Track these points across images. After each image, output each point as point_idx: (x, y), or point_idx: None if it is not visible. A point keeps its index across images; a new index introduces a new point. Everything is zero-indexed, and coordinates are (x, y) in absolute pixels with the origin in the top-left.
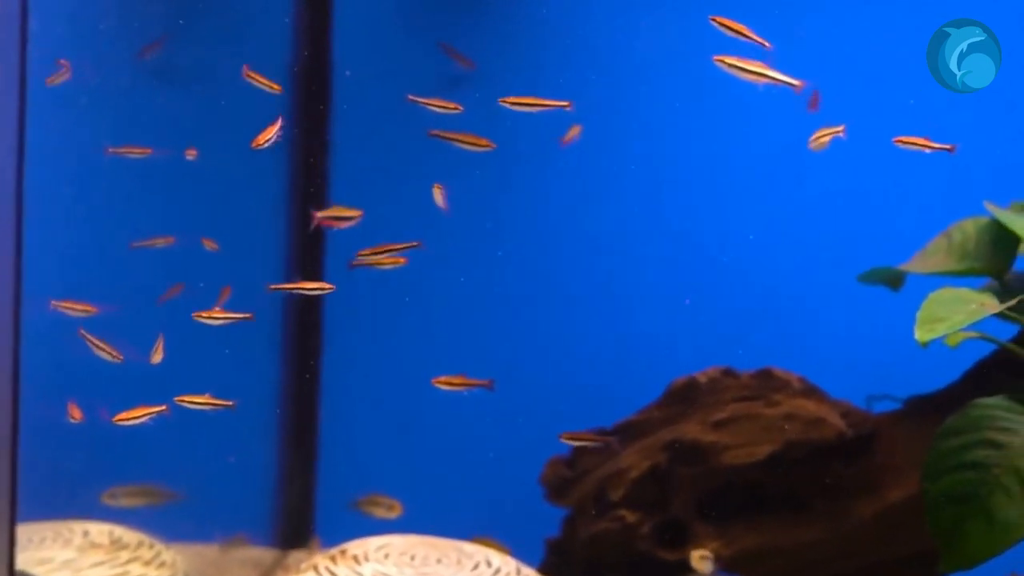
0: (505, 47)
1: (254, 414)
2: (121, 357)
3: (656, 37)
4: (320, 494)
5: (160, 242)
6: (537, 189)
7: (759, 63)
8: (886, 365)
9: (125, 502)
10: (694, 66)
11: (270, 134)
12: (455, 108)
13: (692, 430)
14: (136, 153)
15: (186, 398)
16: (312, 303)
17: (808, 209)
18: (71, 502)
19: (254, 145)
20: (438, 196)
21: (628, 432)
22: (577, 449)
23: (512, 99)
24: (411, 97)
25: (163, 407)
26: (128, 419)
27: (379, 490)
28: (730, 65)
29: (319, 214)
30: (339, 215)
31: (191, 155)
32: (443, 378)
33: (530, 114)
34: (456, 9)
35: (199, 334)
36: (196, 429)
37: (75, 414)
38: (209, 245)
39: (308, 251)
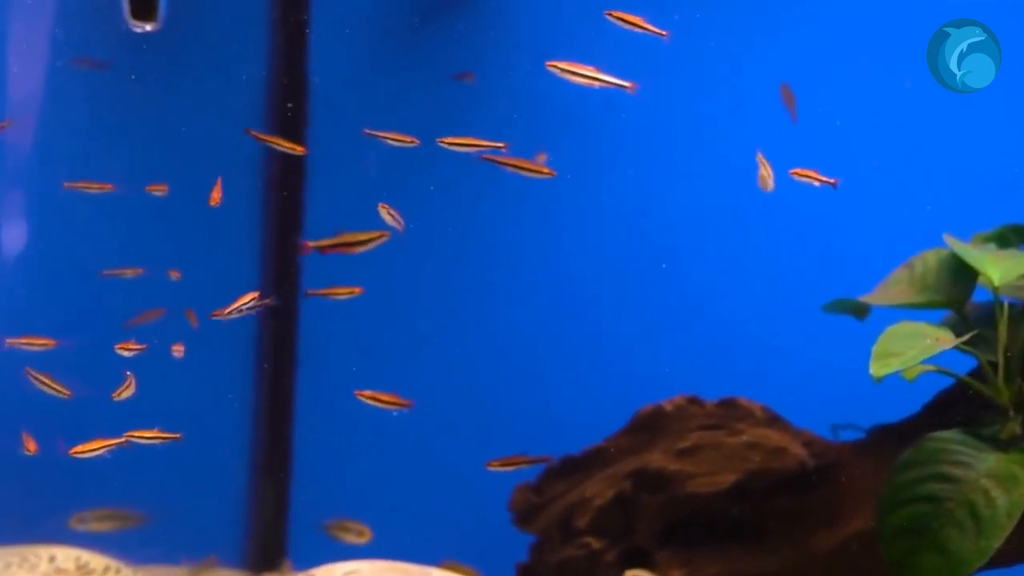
0: (481, 64)
1: (226, 436)
2: (69, 393)
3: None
4: (292, 517)
5: (129, 272)
6: (509, 216)
7: (591, 68)
8: (853, 394)
9: (94, 526)
10: (659, 92)
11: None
12: (411, 141)
13: (657, 458)
14: (94, 189)
15: (135, 433)
16: (286, 326)
17: (775, 238)
18: (38, 526)
19: (212, 203)
20: (386, 215)
21: (595, 459)
22: (544, 475)
23: (449, 140)
24: (367, 131)
25: (122, 439)
26: (85, 452)
27: (351, 514)
28: (562, 70)
29: (310, 244)
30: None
31: (159, 191)
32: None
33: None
34: (432, 28)
35: (171, 356)
36: (167, 452)
37: (30, 447)
38: (174, 275)
39: (283, 275)
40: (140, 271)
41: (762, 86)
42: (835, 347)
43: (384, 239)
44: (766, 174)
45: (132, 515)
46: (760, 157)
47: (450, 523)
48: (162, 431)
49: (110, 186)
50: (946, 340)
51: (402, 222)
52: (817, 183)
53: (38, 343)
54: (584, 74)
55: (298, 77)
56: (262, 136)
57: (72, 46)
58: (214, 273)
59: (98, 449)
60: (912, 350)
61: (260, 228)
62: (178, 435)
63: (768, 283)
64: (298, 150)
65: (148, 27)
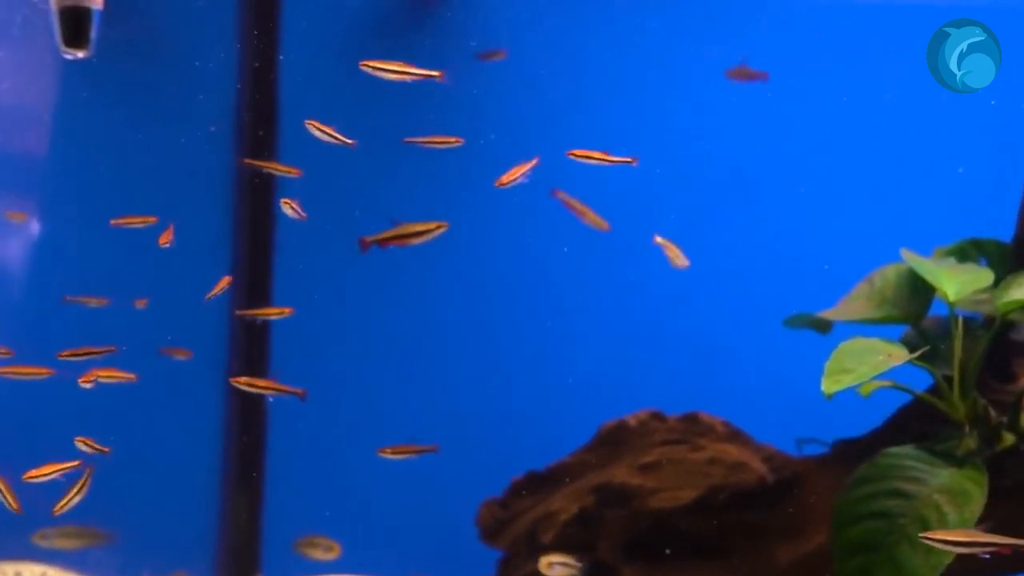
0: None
1: (197, 451)
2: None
3: (601, 79)
4: (266, 533)
5: (93, 302)
6: (476, 232)
7: (400, 63)
8: (823, 408)
9: (58, 544)
10: (634, 103)
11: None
12: (295, 172)
13: (620, 473)
14: (138, 223)
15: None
16: (258, 340)
17: (738, 252)
18: (2, 543)
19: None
20: (287, 209)
21: (560, 474)
22: (511, 491)
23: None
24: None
25: (76, 462)
26: (38, 477)
27: (323, 529)
28: (373, 68)
29: (368, 239)
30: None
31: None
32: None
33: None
34: (401, 36)
35: (141, 370)
36: (136, 467)
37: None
38: (140, 304)
39: (254, 290)
40: (105, 301)
41: (743, 88)
42: (801, 361)
43: (441, 230)
44: (673, 255)
45: (95, 532)
46: (660, 240)
47: (419, 538)
48: (91, 440)
49: (154, 218)
50: (898, 356)
51: (304, 215)
52: (610, 163)
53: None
54: (394, 70)
55: (268, 92)
56: (259, 163)
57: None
58: (184, 288)
59: (51, 474)
60: (864, 366)
61: (231, 242)
62: (107, 449)
63: (733, 297)
64: (294, 173)
65: (80, 54)
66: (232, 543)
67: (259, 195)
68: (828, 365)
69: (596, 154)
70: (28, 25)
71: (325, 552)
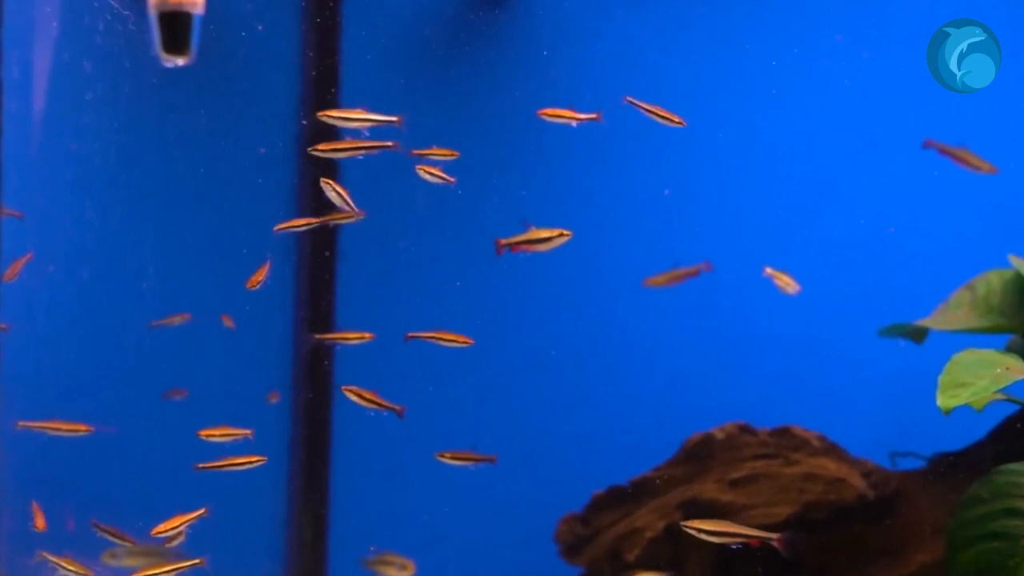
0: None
1: (261, 470)
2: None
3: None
4: (332, 552)
5: (177, 319)
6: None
7: (360, 110)
8: (910, 418)
9: (127, 562)
10: (710, 96)
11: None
12: (359, 213)
13: (709, 489)
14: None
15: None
16: (322, 355)
17: (829, 260)
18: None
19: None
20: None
21: (643, 489)
22: (591, 506)
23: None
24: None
25: (201, 511)
26: (165, 531)
27: (391, 548)
28: (333, 117)
29: (503, 241)
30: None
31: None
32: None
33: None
34: (467, 49)
35: (206, 388)
36: (200, 487)
37: (39, 523)
38: (227, 323)
39: (317, 302)
40: (187, 316)
41: (787, 91)
42: (894, 372)
43: (565, 239)
44: (784, 283)
45: (165, 552)
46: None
47: (495, 555)
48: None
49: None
50: (1018, 369)
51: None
52: (575, 122)
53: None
54: (354, 118)
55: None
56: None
57: (102, 79)
58: (247, 302)
59: (179, 526)
60: (982, 380)
61: (294, 258)
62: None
63: (823, 306)
64: (358, 215)
65: (180, 62)
66: (298, 563)
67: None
68: (943, 379)
69: (564, 112)
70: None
71: (399, 571)
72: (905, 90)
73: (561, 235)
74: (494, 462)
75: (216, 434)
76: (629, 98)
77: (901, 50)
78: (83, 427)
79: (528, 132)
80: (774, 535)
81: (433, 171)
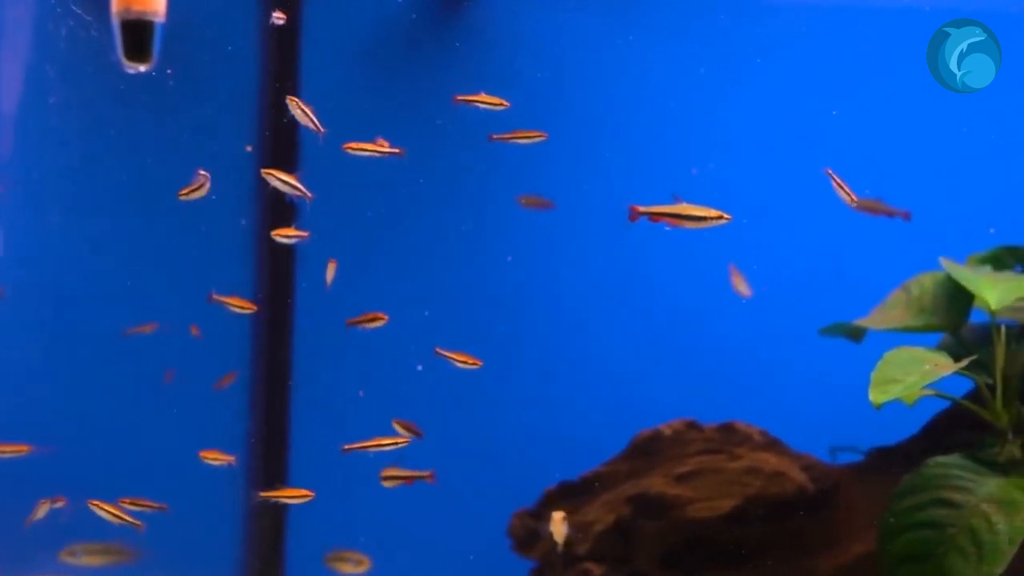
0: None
1: (220, 469)
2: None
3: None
4: (290, 547)
5: (147, 328)
6: (506, 236)
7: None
8: (848, 415)
9: (85, 560)
10: (658, 106)
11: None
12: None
13: (656, 483)
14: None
15: None
16: (280, 352)
17: (772, 262)
18: (27, 559)
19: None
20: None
21: (594, 484)
22: (543, 501)
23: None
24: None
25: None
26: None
27: (350, 544)
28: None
29: (641, 209)
30: None
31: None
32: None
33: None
34: (423, 54)
35: (163, 386)
36: (159, 483)
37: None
38: (194, 332)
39: (277, 302)
40: (156, 325)
41: (768, 98)
42: (831, 369)
43: (723, 221)
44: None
45: (122, 550)
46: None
47: (450, 550)
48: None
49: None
50: (945, 366)
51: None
52: (380, 155)
53: None
54: (283, 179)
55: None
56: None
57: (65, 84)
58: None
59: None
60: (912, 376)
61: (254, 252)
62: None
63: (765, 306)
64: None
65: (142, 68)
66: (257, 558)
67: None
68: (875, 375)
69: (368, 145)
70: (73, 38)
71: (355, 566)
72: (846, 96)
73: (720, 217)
74: (431, 480)
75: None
76: (459, 96)
77: (841, 56)
78: (24, 447)
79: (482, 132)
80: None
81: (282, 176)
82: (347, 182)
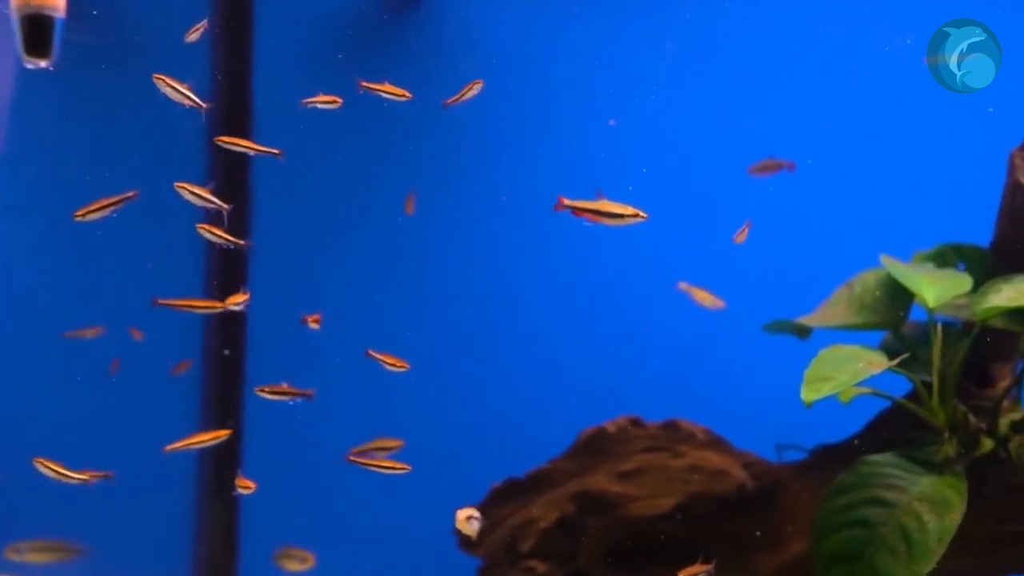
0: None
1: (171, 463)
2: None
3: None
4: (243, 545)
5: (90, 333)
6: (455, 236)
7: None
8: (802, 414)
9: (30, 557)
10: (618, 104)
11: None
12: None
13: (600, 481)
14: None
15: None
16: (233, 349)
17: (717, 258)
18: None
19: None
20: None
21: (539, 482)
22: (489, 498)
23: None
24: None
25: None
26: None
27: (300, 540)
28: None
29: (567, 201)
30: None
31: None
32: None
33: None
34: (376, 45)
35: (113, 381)
36: (109, 480)
37: None
38: (136, 335)
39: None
40: (100, 330)
41: (725, 99)
42: (781, 367)
43: (639, 219)
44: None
45: (69, 547)
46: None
47: (396, 547)
48: None
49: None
50: (878, 363)
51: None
52: (256, 152)
53: None
54: (195, 192)
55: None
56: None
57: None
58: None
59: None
60: (844, 374)
61: (206, 249)
62: None
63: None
64: (275, 152)
65: (42, 63)
66: (209, 555)
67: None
68: (808, 373)
69: (243, 141)
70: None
71: (300, 563)
72: (786, 99)
73: (637, 215)
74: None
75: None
76: (363, 83)
77: (785, 56)
78: None
79: (434, 129)
80: None
81: (196, 190)
82: (302, 181)
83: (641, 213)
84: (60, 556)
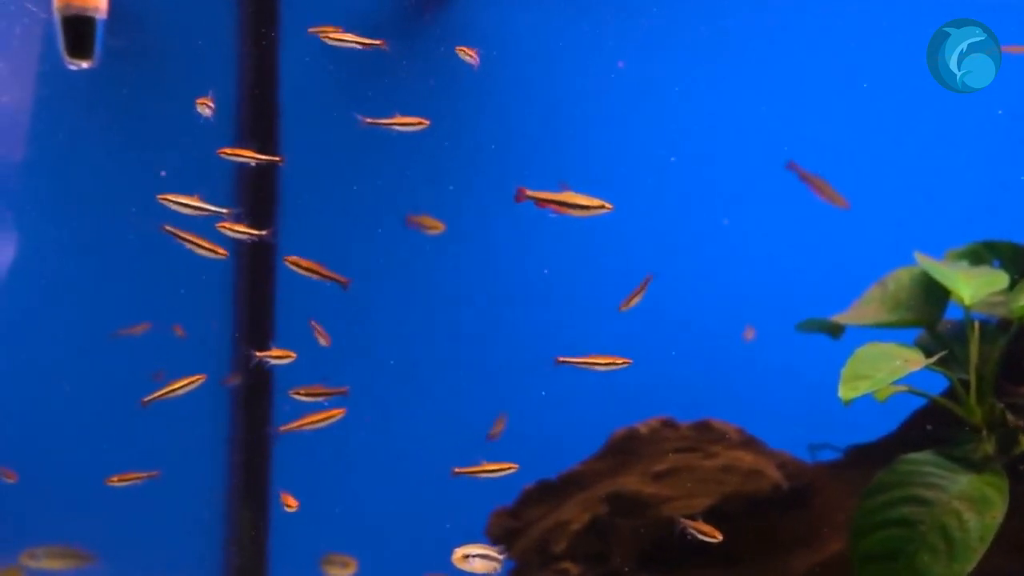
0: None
1: (201, 469)
2: None
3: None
4: (274, 551)
5: (139, 329)
6: (483, 233)
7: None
8: (834, 413)
9: (46, 564)
10: (639, 106)
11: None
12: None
13: (632, 482)
14: None
15: None
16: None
17: (749, 258)
18: None
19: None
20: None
21: (571, 483)
22: (521, 500)
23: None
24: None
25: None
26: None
27: (331, 545)
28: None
29: (528, 192)
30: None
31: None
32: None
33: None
34: (404, 46)
35: (144, 386)
36: (139, 486)
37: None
38: (179, 332)
39: (257, 313)
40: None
41: (749, 95)
42: (813, 366)
43: (604, 210)
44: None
45: (83, 554)
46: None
47: (428, 549)
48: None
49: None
50: (915, 361)
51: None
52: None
53: None
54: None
55: (268, 96)
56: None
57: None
58: (184, 305)
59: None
60: (881, 372)
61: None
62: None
63: (743, 302)
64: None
65: (84, 65)
66: (238, 561)
67: (262, 206)
68: (844, 372)
69: (245, 152)
70: (28, 36)
71: (341, 568)
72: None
73: (602, 206)
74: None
75: None
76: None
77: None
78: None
79: (460, 134)
80: None
81: (181, 200)
82: (327, 182)
83: (607, 204)
84: (76, 563)
